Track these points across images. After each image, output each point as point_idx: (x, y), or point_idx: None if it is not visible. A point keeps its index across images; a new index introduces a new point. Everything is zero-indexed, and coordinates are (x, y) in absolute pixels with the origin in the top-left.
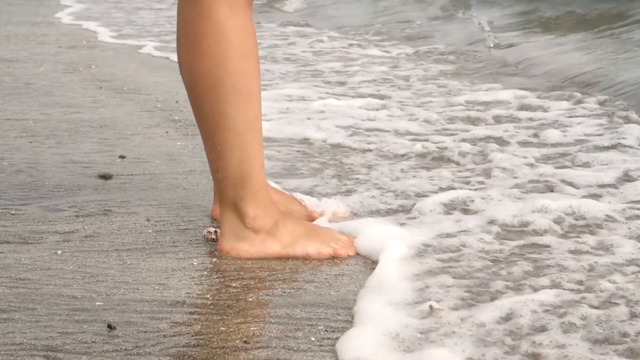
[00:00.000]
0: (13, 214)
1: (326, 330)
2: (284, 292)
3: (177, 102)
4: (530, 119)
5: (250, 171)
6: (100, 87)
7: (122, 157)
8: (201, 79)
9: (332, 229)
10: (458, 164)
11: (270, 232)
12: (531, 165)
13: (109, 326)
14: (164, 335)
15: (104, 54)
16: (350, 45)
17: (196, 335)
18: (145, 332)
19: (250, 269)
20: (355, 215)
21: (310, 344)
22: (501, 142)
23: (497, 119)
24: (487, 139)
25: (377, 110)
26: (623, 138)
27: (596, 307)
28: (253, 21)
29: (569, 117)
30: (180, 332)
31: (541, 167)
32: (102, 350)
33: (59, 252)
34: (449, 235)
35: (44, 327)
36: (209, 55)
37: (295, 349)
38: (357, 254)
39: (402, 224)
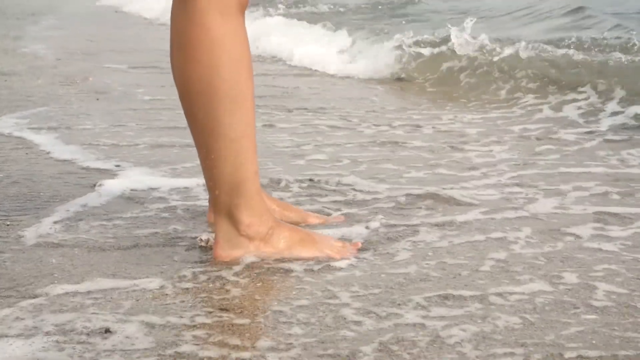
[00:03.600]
0: (8, 225)
1: None
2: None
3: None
4: None
5: (244, 178)
6: (97, 99)
7: (117, 166)
8: (194, 86)
9: (327, 236)
10: None
11: (265, 239)
12: None
13: (106, 330)
14: (160, 338)
15: (101, 66)
16: None
17: (191, 339)
18: (137, 337)
19: (245, 272)
20: None
21: None
22: None
23: None
24: None
25: None
26: None
27: None
28: (245, 28)
29: None
30: (176, 336)
31: None
32: (99, 350)
33: (54, 261)
34: None
35: None
36: (202, 63)
37: None
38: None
39: None
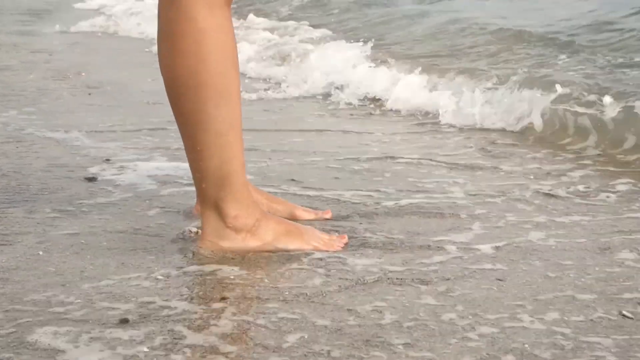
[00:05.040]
0: None
1: None
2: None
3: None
4: None
5: (230, 171)
6: (89, 94)
7: (107, 160)
8: (181, 79)
9: (314, 228)
10: None
11: (252, 231)
12: None
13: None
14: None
15: (94, 60)
16: None
17: (181, 335)
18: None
19: (229, 265)
20: None
21: None
22: None
23: None
24: None
25: None
26: None
27: None
28: (232, 21)
29: None
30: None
31: None
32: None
33: (41, 252)
34: None
35: None
36: (189, 56)
37: None
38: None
39: None
